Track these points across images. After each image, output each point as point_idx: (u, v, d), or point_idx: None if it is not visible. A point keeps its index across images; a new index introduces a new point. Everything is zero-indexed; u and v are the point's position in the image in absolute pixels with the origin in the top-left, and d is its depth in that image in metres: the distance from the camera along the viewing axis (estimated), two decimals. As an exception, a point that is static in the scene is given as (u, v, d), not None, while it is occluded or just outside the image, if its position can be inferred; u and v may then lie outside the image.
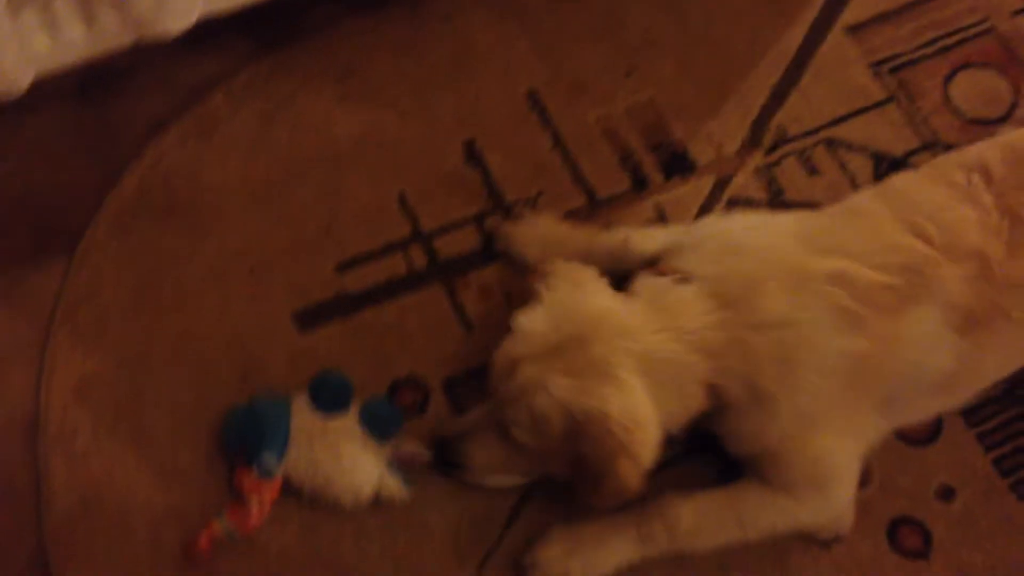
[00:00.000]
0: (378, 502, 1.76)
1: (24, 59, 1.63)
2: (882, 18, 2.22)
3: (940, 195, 1.71)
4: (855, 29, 2.20)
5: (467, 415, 1.77)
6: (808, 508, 1.73)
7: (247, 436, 1.74)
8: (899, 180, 1.82)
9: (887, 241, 1.66)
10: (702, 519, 1.73)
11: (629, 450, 1.56)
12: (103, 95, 2.04)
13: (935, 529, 1.81)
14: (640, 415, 1.57)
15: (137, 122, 2.02)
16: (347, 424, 1.75)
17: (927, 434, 1.87)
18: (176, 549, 1.73)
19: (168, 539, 1.74)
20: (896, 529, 1.81)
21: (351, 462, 1.72)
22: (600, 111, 2.10)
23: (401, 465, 1.78)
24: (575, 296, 1.66)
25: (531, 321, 1.65)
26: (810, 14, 2.22)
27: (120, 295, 1.89)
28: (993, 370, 1.79)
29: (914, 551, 1.79)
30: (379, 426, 1.76)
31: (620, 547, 1.73)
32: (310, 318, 1.90)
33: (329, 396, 1.76)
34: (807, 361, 1.62)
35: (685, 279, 1.67)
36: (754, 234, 1.73)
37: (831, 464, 1.71)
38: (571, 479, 1.65)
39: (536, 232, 1.94)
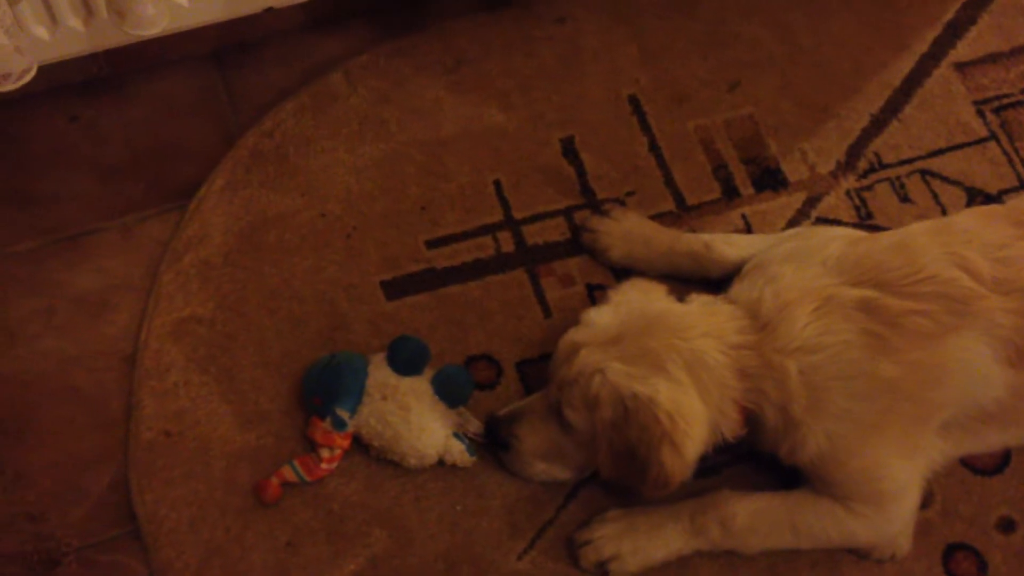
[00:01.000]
0: (441, 464, 1.82)
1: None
2: (992, 58, 2.23)
3: (1003, 232, 1.71)
4: (963, 66, 2.22)
5: (524, 400, 1.84)
6: (863, 524, 1.73)
7: (324, 389, 1.82)
8: (960, 216, 1.83)
9: (926, 272, 1.66)
10: (757, 520, 1.74)
11: (673, 439, 1.60)
12: (233, 63, 2.17)
13: (991, 559, 1.78)
14: (686, 408, 1.62)
15: (260, 91, 2.16)
16: (420, 386, 1.81)
17: (994, 465, 1.85)
18: (247, 487, 1.81)
19: (241, 477, 1.82)
20: (952, 554, 1.79)
21: (419, 422, 1.78)
22: (699, 121, 2.15)
23: (471, 434, 1.84)
24: (641, 299, 1.75)
25: (598, 315, 1.74)
26: (920, 47, 2.24)
27: (224, 247, 2.00)
28: None
29: (967, 578, 1.78)
30: (451, 392, 1.82)
31: (673, 536, 1.75)
32: (397, 288, 1.98)
33: (406, 358, 1.83)
34: (836, 387, 1.64)
35: (730, 301, 1.74)
36: (789, 264, 1.75)
37: (886, 482, 1.71)
38: (614, 474, 1.70)
39: (622, 228, 2.00)
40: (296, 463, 1.81)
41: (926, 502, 1.79)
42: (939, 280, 1.65)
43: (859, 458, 1.68)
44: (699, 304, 1.73)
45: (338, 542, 1.79)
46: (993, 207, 1.92)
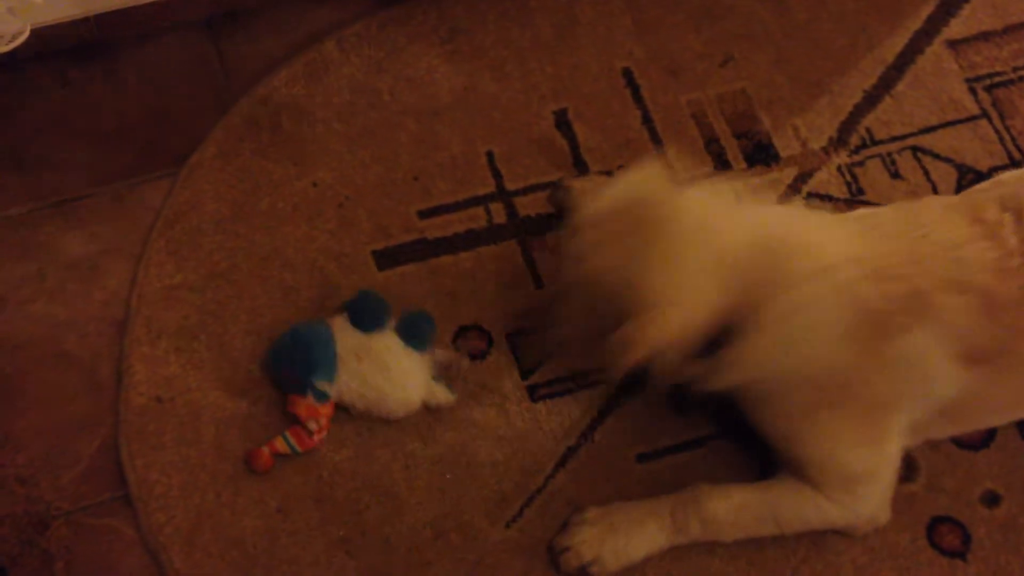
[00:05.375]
0: (427, 408, 1.85)
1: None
2: (985, 36, 2.24)
3: (962, 230, 1.69)
4: (956, 44, 2.22)
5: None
6: (839, 509, 1.73)
7: (295, 364, 1.81)
8: (925, 208, 1.78)
9: (898, 261, 1.66)
10: (737, 515, 1.74)
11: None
12: (227, 31, 2.16)
13: (975, 532, 1.81)
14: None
15: (253, 59, 2.14)
16: (389, 339, 1.83)
17: (979, 439, 1.87)
18: (238, 453, 1.82)
19: (232, 443, 1.83)
20: (936, 527, 1.81)
21: (400, 374, 1.80)
22: (692, 95, 2.15)
23: (442, 372, 1.86)
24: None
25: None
26: (914, 24, 2.24)
27: (216, 215, 2.00)
28: (1009, 408, 1.80)
29: (951, 550, 1.80)
30: (417, 336, 1.84)
31: (652, 534, 1.75)
32: (389, 257, 1.99)
33: (368, 315, 1.83)
34: (816, 336, 1.63)
35: None
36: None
37: (851, 468, 1.70)
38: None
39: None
40: (288, 434, 1.81)
41: (911, 475, 1.81)
42: (902, 276, 1.65)
43: (843, 447, 1.68)
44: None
45: (327, 508, 1.80)
46: (959, 197, 1.91)
